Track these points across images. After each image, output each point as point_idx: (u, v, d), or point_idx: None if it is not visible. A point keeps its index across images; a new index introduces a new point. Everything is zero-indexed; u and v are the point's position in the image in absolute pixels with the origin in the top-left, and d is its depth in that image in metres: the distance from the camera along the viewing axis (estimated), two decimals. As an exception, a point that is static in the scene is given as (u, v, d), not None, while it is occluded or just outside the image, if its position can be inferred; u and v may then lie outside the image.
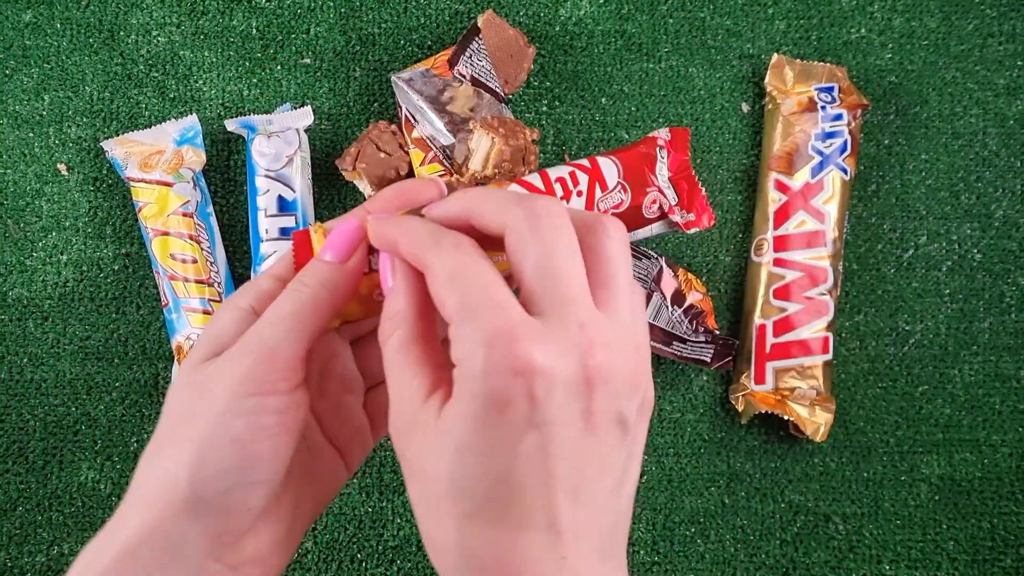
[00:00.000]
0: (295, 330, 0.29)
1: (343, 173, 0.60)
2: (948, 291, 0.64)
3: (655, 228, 0.60)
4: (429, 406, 0.26)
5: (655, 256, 0.60)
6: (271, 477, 0.29)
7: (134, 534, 0.28)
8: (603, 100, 0.64)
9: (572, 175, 0.57)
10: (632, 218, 0.58)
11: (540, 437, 0.24)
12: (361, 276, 0.31)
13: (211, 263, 0.59)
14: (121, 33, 0.63)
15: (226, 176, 0.62)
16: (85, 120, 0.62)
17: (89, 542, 0.29)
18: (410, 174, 0.60)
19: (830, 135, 0.61)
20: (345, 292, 0.30)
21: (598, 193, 0.57)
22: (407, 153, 0.60)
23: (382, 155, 0.59)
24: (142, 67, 0.63)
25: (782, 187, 0.61)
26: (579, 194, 0.56)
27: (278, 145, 0.59)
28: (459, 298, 0.25)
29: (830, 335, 0.60)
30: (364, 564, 0.59)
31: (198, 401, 0.28)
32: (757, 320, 0.60)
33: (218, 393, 0.28)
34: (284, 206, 0.59)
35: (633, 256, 0.59)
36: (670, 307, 0.59)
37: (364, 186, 0.60)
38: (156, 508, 0.28)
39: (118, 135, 0.61)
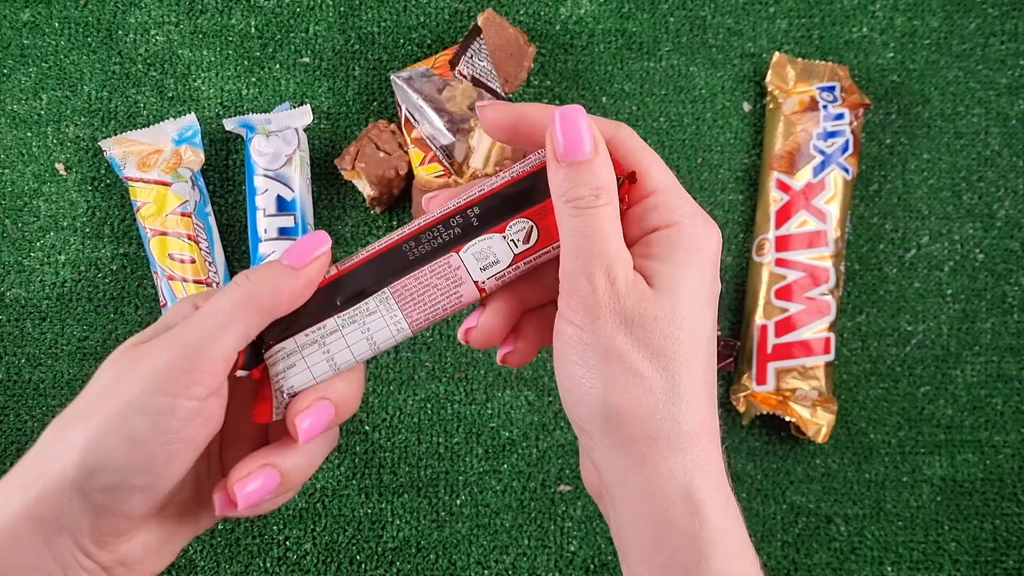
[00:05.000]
0: (224, 328, 0.27)
1: (342, 172, 0.60)
2: (950, 291, 0.63)
3: None
4: None
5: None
6: (157, 485, 0.27)
7: (8, 515, 0.26)
8: (604, 99, 0.64)
9: None
10: None
11: None
12: (313, 288, 0.29)
13: (209, 263, 0.58)
14: (119, 32, 0.62)
15: (225, 176, 0.62)
16: (83, 119, 0.62)
17: None
18: (409, 174, 0.59)
19: (832, 134, 0.60)
20: (287, 301, 0.29)
21: None
22: (407, 152, 0.59)
23: (381, 154, 0.59)
24: (140, 66, 0.62)
25: (784, 187, 0.61)
26: None
27: (277, 144, 0.59)
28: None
29: (832, 335, 0.60)
30: (363, 566, 0.59)
31: (113, 384, 0.27)
32: (759, 320, 0.60)
33: (131, 382, 0.27)
34: (283, 206, 0.58)
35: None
36: None
37: (363, 186, 0.60)
38: (37, 487, 0.26)
39: (116, 134, 0.61)
